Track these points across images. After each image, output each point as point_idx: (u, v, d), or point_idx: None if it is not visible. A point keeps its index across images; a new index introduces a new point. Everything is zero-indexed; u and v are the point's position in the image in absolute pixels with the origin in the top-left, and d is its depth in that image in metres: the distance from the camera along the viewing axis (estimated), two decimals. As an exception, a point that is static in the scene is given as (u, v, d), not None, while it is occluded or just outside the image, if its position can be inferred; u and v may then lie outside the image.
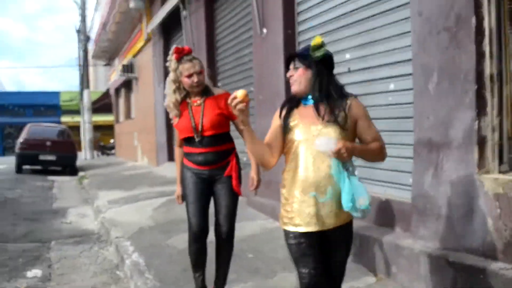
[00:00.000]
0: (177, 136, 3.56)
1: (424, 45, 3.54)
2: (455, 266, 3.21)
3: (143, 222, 6.49)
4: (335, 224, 2.36)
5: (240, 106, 2.25)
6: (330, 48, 4.88)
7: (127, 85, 19.45)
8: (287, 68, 2.47)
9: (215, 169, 3.38)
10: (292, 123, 2.40)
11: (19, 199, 9.84)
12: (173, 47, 3.38)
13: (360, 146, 2.37)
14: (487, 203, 3.14)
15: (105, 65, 25.59)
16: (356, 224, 4.19)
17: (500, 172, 3.23)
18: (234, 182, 3.37)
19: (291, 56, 2.47)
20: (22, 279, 4.73)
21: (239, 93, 2.25)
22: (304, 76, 2.38)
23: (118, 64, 20.45)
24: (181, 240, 5.28)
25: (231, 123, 3.50)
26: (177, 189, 3.67)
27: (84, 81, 22.91)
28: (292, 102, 2.48)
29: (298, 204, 2.35)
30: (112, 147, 26.56)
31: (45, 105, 36.08)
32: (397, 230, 4.00)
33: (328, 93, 2.36)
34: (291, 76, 2.42)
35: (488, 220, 3.13)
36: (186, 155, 3.47)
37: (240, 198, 3.55)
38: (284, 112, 2.45)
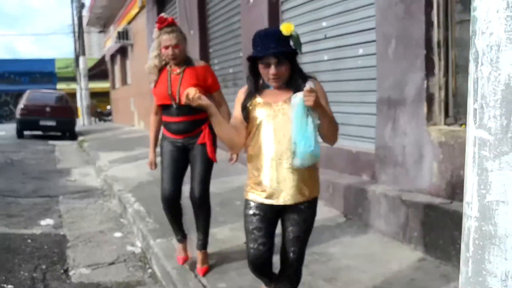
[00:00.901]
0: (154, 103, 3.59)
1: (385, 16, 4.07)
2: (407, 203, 3.82)
3: (142, 177, 7.11)
4: (295, 200, 2.37)
5: (197, 94, 2.26)
6: (311, 16, 5.44)
7: (122, 51, 19.79)
8: (252, 62, 2.38)
9: (188, 138, 3.45)
10: (252, 105, 2.40)
11: (25, 160, 10.43)
12: (158, 17, 3.44)
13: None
14: (433, 150, 3.73)
15: (100, 32, 25.79)
16: (329, 173, 4.86)
17: (445, 124, 3.81)
18: (208, 149, 3.44)
19: (281, 53, 2.28)
20: (37, 227, 5.36)
21: (190, 90, 2.30)
22: (287, 72, 2.34)
23: (113, 31, 20.72)
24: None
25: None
26: (150, 155, 3.75)
27: (80, 48, 23.18)
28: (253, 86, 2.44)
29: (260, 177, 2.38)
30: (109, 113, 27.00)
31: (40, 73, 36.27)
32: (364, 177, 4.61)
33: (297, 79, 2.36)
34: (278, 73, 2.30)
35: (434, 164, 3.73)
36: (164, 124, 3.54)
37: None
38: (243, 97, 2.45)
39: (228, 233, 4.38)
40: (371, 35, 4.47)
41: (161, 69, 3.48)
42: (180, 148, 3.50)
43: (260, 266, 2.48)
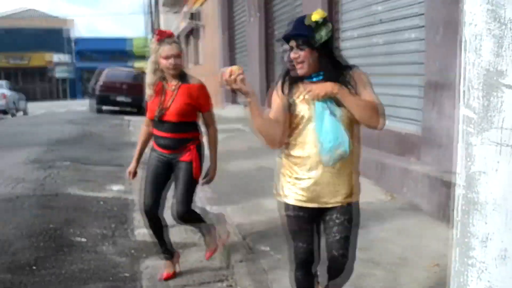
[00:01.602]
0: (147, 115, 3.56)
1: (433, 2, 4.17)
2: (447, 184, 3.97)
3: (206, 152, 7.57)
4: (335, 202, 2.31)
5: (241, 76, 2.15)
6: (365, 1, 5.58)
7: (195, 32, 20.45)
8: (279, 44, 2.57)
9: (174, 154, 3.43)
10: (297, 99, 2.28)
11: (102, 133, 11.33)
12: (156, 29, 3.77)
13: (353, 94, 2.21)
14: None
15: (175, 12, 26.65)
16: (378, 153, 5.04)
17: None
18: (194, 164, 3.43)
19: (292, 36, 2.25)
20: (109, 191, 5.98)
21: (234, 68, 2.18)
22: (311, 58, 2.21)
23: (186, 12, 21.42)
24: (235, 166, 6.37)
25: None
26: (132, 164, 3.73)
27: (153, 28, 24.13)
28: (293, 77, 2.32)
29: (299, 179, 2.30)
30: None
31: (119, 51, 38.10)
32: (408, 157, 4.77)
33: (333, 70, 2.25)
34: (297, 57, 2.22)
35: (475, 147, 3.84)
36: (154, 137, 3.51)
37: None
38: (286, 89, 2.33)
39: (276, 204, 4.72)
40: (420, 20, 4.57)
41: (156, 84, 3.42)
42: (165, 163, 3.47)
43: (305, 266, 2.44)
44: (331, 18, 6.38)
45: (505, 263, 1.59)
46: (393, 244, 3.58)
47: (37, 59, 40.85)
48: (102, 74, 18.06)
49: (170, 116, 3.34)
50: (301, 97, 2.27)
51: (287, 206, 2.37)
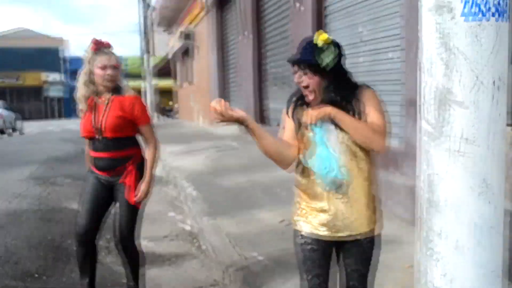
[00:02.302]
0: None
1: (409, 25, 4.50)
2: (424, 193, 4.24)
3: (197, 167, 7.87)
4: (352, 234, 2.15)
5: (225, 105, 2.04)
6: (349, 22, 5.91)
7: (185, 51, 20.79)
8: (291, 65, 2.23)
9: (112, 176, 3.14)
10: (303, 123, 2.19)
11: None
12: (93, 38, 3.15)
13: (350, 117, 2.11)
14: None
15: (165, 31, 27.04)
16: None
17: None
18: (131, 194, 3.13)
19: (297, 61, 2.18)
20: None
21: (213, 103, 2.05)
22: (315, 83, 2.14)
23: (177, 31, 21.81)
24: (226, 180, 6.66)
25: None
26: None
27: (146, 47, 24.48)
28: (300, 98, 2.25)
29: (311, 205, 2.18)
30: (172, 110, 28.26)
31: (110, 70, 38.19)
32: (391, 170, 5.06)
33: (343, 94, 2.15)
34: (300, 82, 2.16)
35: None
36: (89, 158, 3.24)
37: None
38: (291, 112, 2.26)
39: (265, 214, 4.98)
40: (401, 41, 4.90)
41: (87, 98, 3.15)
42: (104, 185, 3.17)
43: None
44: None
45: (457, 253, 1.85)
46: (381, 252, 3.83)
47: (31, 78, 41.10)
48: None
49: (104, 132, 3.06)
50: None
51: (299, 235, 2.22)
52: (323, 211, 2.16)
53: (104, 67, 3.06)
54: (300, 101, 2.26)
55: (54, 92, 42.98)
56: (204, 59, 16.02)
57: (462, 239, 1.83)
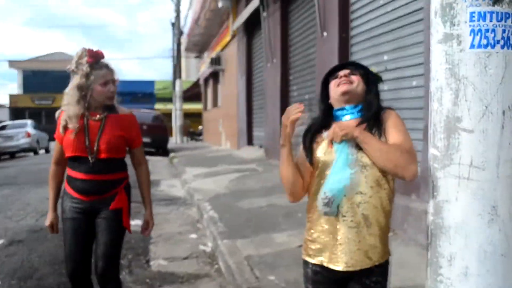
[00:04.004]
0: (57, 151, 2.95)
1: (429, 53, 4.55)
2: (444, 222, 4.22)
3: (220, 190, 7.94)
4: (360, 266, 2.00)
5: (297, 115, 2.03)
6: (374, 50, 5.99)
7: (214, 76, 21.18)
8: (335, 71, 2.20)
9: (98, 201, 2.80)
10: (317, 141, 2.13)
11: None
12: (84, 48, 2.82)
13: (376, 139, 1.99)
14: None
15: (196, 57, 27.64)
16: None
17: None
18: (124, 217, 2.88)
19: (349, 63, 2.23)
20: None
21: (293, 107, 2.09)
22: (361, 84, 2.10)
23: (207, 56, 22.27)
24: (248, 203, 6.70)
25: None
26: (49, 216, 3.01)
27: (177, 72, 25.07)
28: (322, 112, 2.21)
29: (315, 234, 2.06)
30: (200, 133, 28.63)
31: (142, 93, 39.16)
32: (412, 196, 5.04)
33: (373, 112, 2.09)
34: (345, 75, 2.09)
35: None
36: (69, 179, 2.86)
37: None
38: (307, 142, 2.17)
39: (285, 238, 4.99)
40: (421, 69, 4.94)
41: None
42: (85, 214, 2.83)
43: None
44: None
45: (467, 279, 1.86)
46: (395, 276, 3.78)
47: (61, 99, 42.08)
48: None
49: (99, 152, 2.75)
50: (324, 135, 2.08)
51: (307, 265, 2.13)
52: (329, 240, 2.02)
53: (106, 83, 2.79)
54: (316, 133, 2.16)
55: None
56: (232, 84, 16.29)
57: (472, 266, 1.84)
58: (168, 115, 29.03)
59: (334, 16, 7.03)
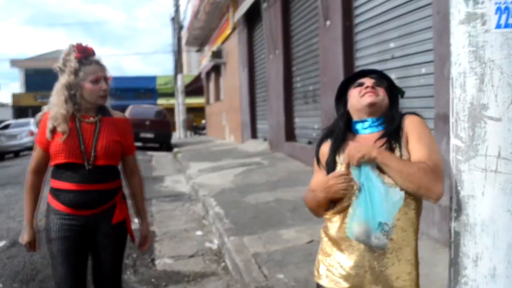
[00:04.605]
0: (37, 159, 2.53)
1: (441, 39, 4.37)
2: (458, 214, 4.07)
3: (225, 185, 7.80)
4: None
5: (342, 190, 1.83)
6: (379, 38, 5.81)
7: (216, 69, 21.01)
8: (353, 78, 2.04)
9: (95, 215, 2.44)
10: (339, 165, 1.90)
11: (125, 168, 11.64)
12: (72, 44, 2.50)
13: (397, 159, 1.81)
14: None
15: (197, 51, 27.44)
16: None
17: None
18: (129, 227, 2.63)
19: (372, 71, 2.04)
20: (133, 223, 6.16)
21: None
22: (386, 99, 1.96)
23: (208, 50, 22.08)
24: (254, 198, 6.55)
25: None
26: (25, 232, 2.59)
27: (178, 66, 24.90)
28: (343, 125, 2.00)
29: (337, 259, 1.88)
30: (204, 127, 28.53)
31: (143, 89, 39.08)
32: (423, 189, 4.89)
33: (393, 126, 1.91)
34: (369, 87, 1.93)
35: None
36: (55, 192, 2.47)
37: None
38: (326, 158, 1.96)
39: (293, 234, 4.85)
40: (431, 55, 4.77)
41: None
42: (80, 231, 2.44)
43: None
44: (348, 55, 6.64)
45: (494, 281, 1.71)
46: (406, 273, 3.67)
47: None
48: (126, 111, 18.61)
49: (97, 158, 2.43)
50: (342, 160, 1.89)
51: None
52: (353, 267, 1.84)
53: (97, 80, 2.47)
54: (336, 144, 1.96)
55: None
56: (234, 77, 16.11)
57: (500, 267, 1.70)
58: (171, 110, 28.92)
59: (337, 4, 6.84)
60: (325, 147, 1.99)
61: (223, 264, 4.60)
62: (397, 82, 5.49)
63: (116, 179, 2.54)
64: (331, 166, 1.92)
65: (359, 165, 1.78)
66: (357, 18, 6.64)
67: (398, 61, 5.51)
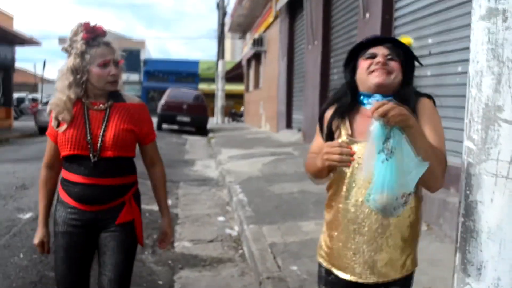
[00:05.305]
0: (49, 152, 2.35)
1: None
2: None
3: (253, 173, 7.80)
4: (383, 277, 1.81)
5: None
6: (418, 33, 5.64)
7: (257, 57, 20.98)
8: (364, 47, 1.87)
9: (102, 211, 2.25)
10: (340, 139, 1.81)
11: (159, 150, 11.80)
12: (80, 23, 2.25)
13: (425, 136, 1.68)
14: None
15: (240, 38, 27.46)
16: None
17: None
18: (138, 230, 2.33)
19: (388, 39, 1.90)
20: (156, 204, 6.25)
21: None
22: (400, 75, 1.82)
23: (249, 37, 22.05)
24: (279, 188, 6.52)
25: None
26: (39, 232, 2.40)
27: (220, 52, 24.97)
28: (340, 105, 1.87)
29: (335, 242, 1.84)
30: (242, 115, 28.60)
31: (186, 72, 39.48)
32: (451, 190, 4.73)
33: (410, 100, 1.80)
34: (380, 62, 1.78)
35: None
36: (65, 182, 2.28)
37: None
38: (325, 126, 1.88)
39: (313, 227, 4.80)
40: (467, 54, 4.59)
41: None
42: (85, 228, 2.26)
43: None
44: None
45: (498, 292, 1.64)
46: (424, 275, 3.56)
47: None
48: (165, 94, 18.85)
49: (104, 149, 2.20)
50: (345, 137, 1.81)
51: (321, 270, 1.92)
52: (349, 249, 1.82)
53: (105, 64, 2.22)
54: (339, 112, 1.87)
55: (129, 92, 44.74)
56: (273, 66, 16.05)
57: (505, 278, 1.61)
58: (211, 95, 29.08)
59: (378, -4, 6.69)
60: (330, 114, 1.90)
61: (240, 251, 4.60)
62: (432, 80, 5.36)
63: (129, 174, 2.31)
64: (329, 136, 1.86)
65: (390, 127, 1.59)
66: (396, 12, 6.46)
67: (435, 57, 5.34)
